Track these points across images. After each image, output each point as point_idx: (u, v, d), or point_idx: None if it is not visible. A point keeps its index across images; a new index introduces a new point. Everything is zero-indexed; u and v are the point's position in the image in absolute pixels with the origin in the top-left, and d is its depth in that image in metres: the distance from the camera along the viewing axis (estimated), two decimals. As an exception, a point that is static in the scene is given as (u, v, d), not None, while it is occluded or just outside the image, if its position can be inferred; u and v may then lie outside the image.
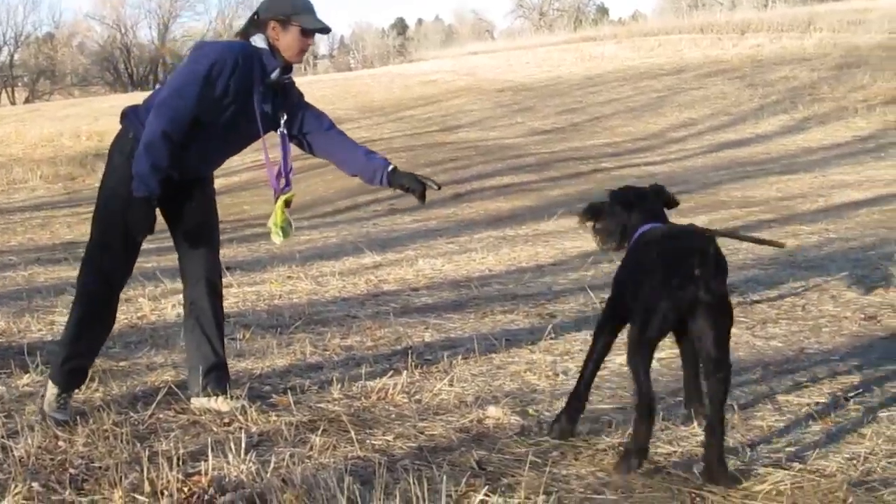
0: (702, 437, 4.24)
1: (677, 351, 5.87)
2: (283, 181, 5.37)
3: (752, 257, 8.99)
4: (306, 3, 5.03)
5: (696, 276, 4.00)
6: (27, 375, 5.74)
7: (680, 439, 4.51)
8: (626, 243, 4.74)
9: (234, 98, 4.89)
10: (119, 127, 5.05)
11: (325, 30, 5.15)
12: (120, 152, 4.93)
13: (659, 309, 4.14)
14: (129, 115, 4.99)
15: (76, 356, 5.04)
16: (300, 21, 4.96)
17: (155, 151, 4.70)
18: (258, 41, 4.96)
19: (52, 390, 5.00)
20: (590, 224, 4.95)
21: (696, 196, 14.14)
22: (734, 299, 7.32)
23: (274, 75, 5.00)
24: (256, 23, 5.00)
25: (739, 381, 5.36)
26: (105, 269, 5.00)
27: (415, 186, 5.25)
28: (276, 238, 5.36)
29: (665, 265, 4.17)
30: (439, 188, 5.29)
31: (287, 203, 5.30)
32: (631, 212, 4.75)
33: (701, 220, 11.40)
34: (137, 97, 41.09)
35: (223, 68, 4.80)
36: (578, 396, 4.64)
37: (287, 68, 5.08)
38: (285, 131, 5.30)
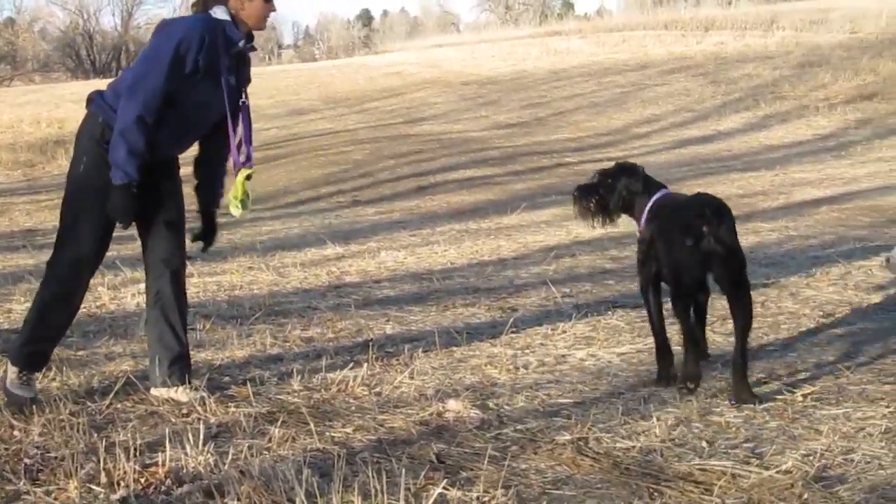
0: (658, 431, 4.35)
1: (637, 346, 5.93)
2: (244, 153, 5.26)
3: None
4: None
5: (708, 233, 4.80)
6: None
7: (638, 434, 4.52)
8: (625, 213, 5.53)
9: (203, 73, 4.83)
10: (84, 112, 5.00)
11: None
12: (89, 137, 4.89)
13: (685, 266, 4.96)
14: (97, 100, 4.93)
15: (38, 339, 5.02)
16: None
17: (131, 137, 4.69)
18: (219, 13, 4.87)
19: (12, 371, 4.97)
20: (585, 203, 5.59)
21: (658, 192, 14.20)
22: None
23: (241, 44, 4.96)
24: None
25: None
26: (77, 255, 4.97)
27: (202, 235, 5.33)
28: (236, 211, 5.27)
29: (681, 228, 4.92)
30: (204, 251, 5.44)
31: (248, 177, 5.22)
32: (639, 182, 5.42)
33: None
34: (99, 84, 40.88)
35: (191, 44, 4.73)
36: (665, 347, 5.39)
37: (250, 36, 5.04)
38: (248, 102, 5.23)
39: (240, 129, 5.25)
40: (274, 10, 5.05)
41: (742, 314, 4.95)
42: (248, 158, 5.25)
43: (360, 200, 14.67)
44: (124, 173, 4.71)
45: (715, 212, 4.90)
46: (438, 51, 45.49)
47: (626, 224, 9.99)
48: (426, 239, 10.56)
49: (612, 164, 5.69)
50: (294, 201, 15.13)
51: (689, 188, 14.12)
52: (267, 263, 9.24)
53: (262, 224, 12.42)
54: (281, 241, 11.01)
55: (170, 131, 4.92)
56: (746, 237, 9.47)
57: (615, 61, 32.65)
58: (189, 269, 8.63)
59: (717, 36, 34.57)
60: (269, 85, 34.64)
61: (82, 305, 7.24)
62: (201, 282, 8.44)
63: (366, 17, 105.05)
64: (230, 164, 5.31)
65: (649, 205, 5.31)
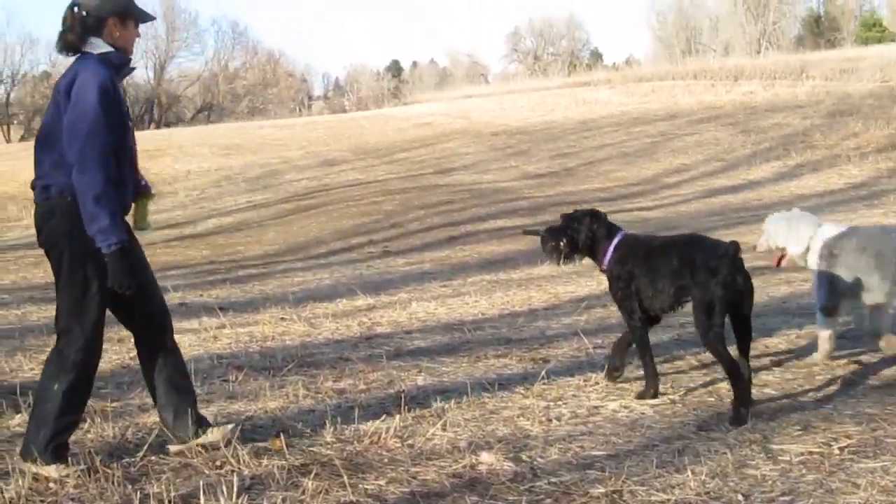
0: (693, 484, 4.32)
1: (670, 398, 5.90)
2: (142, 178, 5.30)
3: (746, 304, 8.99)
4: None
5: (739, 272, 5.68)
6: (18, 416, 5.73)
7: (673, 487, 4.49)
8: (588, 254, 6.32)
9: (126, 111, 4.85)
10: (42, 196, 4.82)
11: (153, 17, 5.13)
12: (64, 216, 4.74)
13: (721, 300, 5.61)
14: (54, 179, 4.75)
15: (65, 430, 4.87)
16: (136, 14, 4.91)
17: (107, 200, 4.64)
18: (98, 45, 4.78)
19: (52, 471, 4.73)
20: (553, 243, 6.33)
21: (689, 241, 14.16)
22: (728, 346, 7.34)
23: (126, 71, 4.95)
24: (87, 24, 4.76)
25: (731, 429, 5.36)
26: (88, 338, 4.86)
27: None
28: (150, 228, 5.40)
29: (710, 264, 5.68)
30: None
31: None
32: (600, 225, 6.29)
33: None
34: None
35: (109, 90, 4.68)
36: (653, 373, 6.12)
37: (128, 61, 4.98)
38: (132, 123, 5.15)
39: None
40: (139, 37, 5.01)
41: (748, 336, 5.85)
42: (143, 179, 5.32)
43: (390, 251, 14.70)
44: (117, 237, 4.66)
45: (737, 251, 5.73)
46: (468, 101, 45.78)
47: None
48: (457, 290, 10.57)
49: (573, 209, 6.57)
50: (325, 252, 15.17)
51: (721, 237, 14.10)
52: (299, 314, 9.26)
53: (293, 275, 12.46)
54: (312, 291, 11.04)
55: (122, 178, 4.86)
56: (779, 287, 9.45)
57: (644, 111, 32.74)
58: (221, 319, 8.74)
59: (747, 85, 34.65)
60: (299, 136, 34.97)
61: (116, 357, 7.37)
62: (233, 333, 8.47)
63: (395, 68, 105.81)
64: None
65: (614, 244, 6.20)
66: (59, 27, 4.87)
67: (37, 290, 11.96)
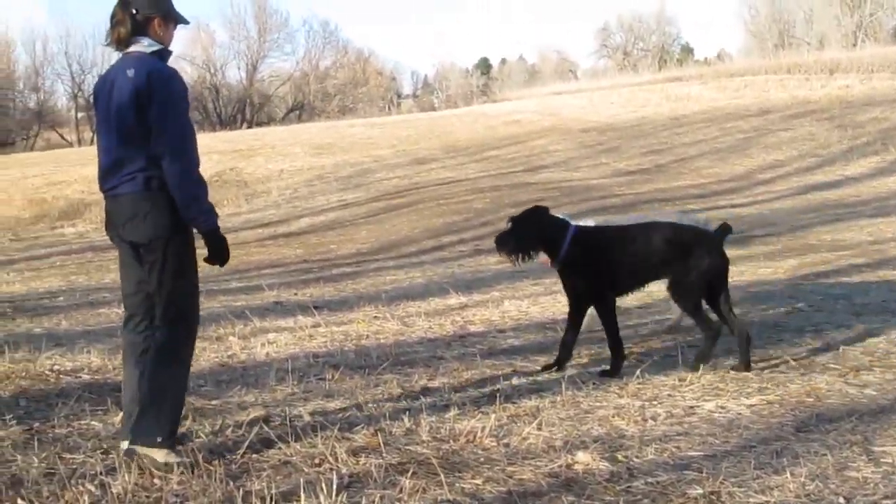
0: (792, 486, 4.27)
1: (767, 398, 5.84)
2: None
3: (845, 304, 8.87)
4: None
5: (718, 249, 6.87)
6: (122, 413, 5.85)
7: (772, 489, 4.45)
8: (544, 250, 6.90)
9: None
10: (137, 188, 4.93)
11: (189, 21, 5.33)
12: (155, 206, 4.89)
13: (704, 274, 6.76)
14: (155, 176, 4.88)
15: (179, 415, 5.08)
16: (175, 16, 5.15)
17: (202, 181, 4.93)
18: (146, 44, 4.99)
19: (163, 456, 4.87)
20: (509, 247, 6.89)
21: (783, 239, 13.99)
22: (826, 345, 7.26)
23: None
24: (137, 22, 4.97)
25: (830, 430, 5.29)
26: (194, 324, 5.16)
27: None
28: None
29: (694, 244, 6.81)
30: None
31: None
32: (550, 222, 6.91)
33: (790, 264, 11.30)
34: (225, 136, 41.46)
35: (183, 81, 5.01)
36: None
37: None
38: None
39: None
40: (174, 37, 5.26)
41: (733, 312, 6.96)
42: None
43: (481, 249, 14.73)
44: (216, 216, 4.96)
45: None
46: (557, 98, 45.66)
47: (752, 273, 9.87)
48: (549, 288, 10.56)
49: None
50: (416, 251, 15.27)
51: (817, 235, 13.97)
52: (392, 313, 9.34)
53: (385, 273, 12.56)
54: (405, 290, 11.12)
55: None
56: (879, 287, 9.30)
57: (737, 106, 32.35)
58: (316, 318, 8.85)
59: (843, 79, 34.03)
60: (389, 135, 35.14)
61: (214, 355, 7.51)
62: (329, 331, 8.57)
63: (484, 66, 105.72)
64: None
65: (569, 236, 6.78)
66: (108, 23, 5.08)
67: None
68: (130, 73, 4.89)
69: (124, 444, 5.06)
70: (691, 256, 6.76)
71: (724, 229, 7.04)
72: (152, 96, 4.80)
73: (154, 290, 5.01)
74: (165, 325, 5.00)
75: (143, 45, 4.98)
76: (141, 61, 4.92)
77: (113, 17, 5.03)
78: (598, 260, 6.87)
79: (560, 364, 6.97)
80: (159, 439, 4.87)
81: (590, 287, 6.93)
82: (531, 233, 6.89)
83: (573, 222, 7.04)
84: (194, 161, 4.91)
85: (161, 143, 4.81)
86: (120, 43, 5.02)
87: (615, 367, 6.78)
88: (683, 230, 7.05)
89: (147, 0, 4.99)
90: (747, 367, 6.67)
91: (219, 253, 5.01)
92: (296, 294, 11.16)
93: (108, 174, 5.02)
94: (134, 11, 4.96)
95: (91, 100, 4.98)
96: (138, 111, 4.82)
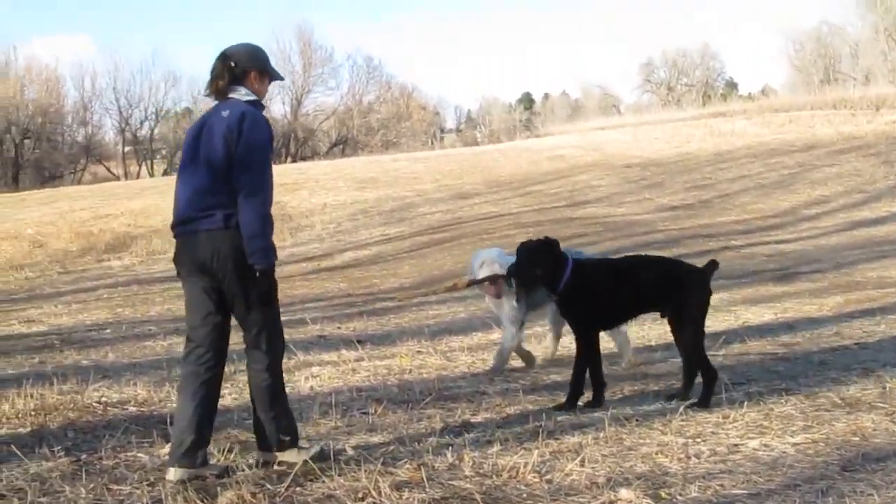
0: None
1: (812, 436, 5.81)
2: None
3: (891, 342, 8.80)
4: (266, 55, 5.68)
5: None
6: (169, 445, 5.90)
7: None
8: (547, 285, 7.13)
9: None
10: (216, 224, 5.32)
11: (283, 77, 5.96)
12: (234, 243, 5.28)
13: (706, 310, 7.15)
14: (229, 206, 5.28)
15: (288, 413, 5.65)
16: (271, 72, 5.64)
17: (270, 222, 5.32)
18: (244, 93, 5.48)
19: (295, 457, 5.51)
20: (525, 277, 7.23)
21: (829, 276, 13.91)
22: (872, 383, 7.20)
23: None
24: (235, 74, 5.47)
25: (877, 469, 5.25)
26: (280, 333, 5.60)
27: None
28: None
29: (699, 281, 7.09)
30: None
31: None
32: (557, 254, 7.09)
33: (835, 301, 11.22)
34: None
35: (272, 135, 5.48)
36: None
37: None
38: None
39: None
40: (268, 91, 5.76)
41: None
42: None
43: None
44: (274, 257, 5.32)
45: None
46: (600, 133, 45.69)
47: (797, 310, 9.82)
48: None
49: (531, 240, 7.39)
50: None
51: (863, 272, 13.87)
52: (435, 347, 9.37)
53: (428, 308, 12.59)
54: (447, 325, 11.14)
55: None
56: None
57: (782, 142, 32.23)
58: (360, 352, 8.89)
59: (889, 114, 33.85)
60: (433, 169, 35.26)
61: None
62: (371, 366, 8.61)
63: (527, 101, 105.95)
64: None
65: (569, 269, 7.00)
66: (208, 74, 5.58)
67: (181, 321, 12.29)
68: (225, 113, 5.36)
69: (172, 472, 5.27)
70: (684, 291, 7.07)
71: (712, 266, 7.30)
72: (241, 134, 5.24)
73: (241, 318, 5.44)
74: (256, 349, 5.48)
75: (240, 94, 5.46)
76: (236, 105, 5.39)
77: (213, 69, 5.52)
78: (592, 293, 7.09)
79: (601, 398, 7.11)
80: (288, 441, 5.50)
81: (582, 319, 7.19)
82: (546, 263, 7.11)
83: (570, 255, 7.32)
84: (268, 201, 5.29)
85: (242, 179, 5.22)
86: (219, 93, 5.51)
87: (569, 402, 6.96)
88: (674, 265, 7.45)
89: (246, 55, 5.52)
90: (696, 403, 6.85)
91: (265, 292, 5.33)
92: (339, 328, 11.22)
93: (187, 211, 5.38)
94: (233, 64, 5.45)
95: (183, 138, 5.44)
96: (227, 147, 5.24)
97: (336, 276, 17.82)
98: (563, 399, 7.04)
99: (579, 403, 6.96)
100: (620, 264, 7.59)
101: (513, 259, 7.66)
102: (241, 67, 5.47)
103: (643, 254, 7.89)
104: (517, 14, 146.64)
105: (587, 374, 7.09)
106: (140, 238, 23.31)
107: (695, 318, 7.05)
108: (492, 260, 8.29)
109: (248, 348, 5.52)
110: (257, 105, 5.49)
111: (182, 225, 5.41)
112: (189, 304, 5.54)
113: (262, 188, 5.26)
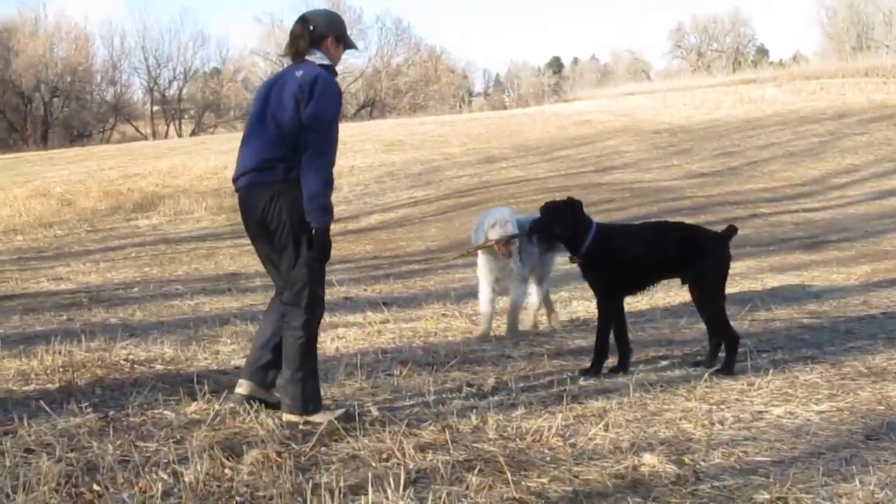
0: (861, 494, 4.24)
1: (837, 404, 5.80)
2: None
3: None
4: (344, 23, 5.93)
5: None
6: (195, 403, 5.97)
7: (840, 496, 4.43)
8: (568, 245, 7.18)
9: None
10: (275, 177, 5.52)
11: (357, 47, 6.21)
12: (290, 193, 5.46)
13: (726, 275, 7.15)
14: (289, 160, 5.47)
15: (314, 374, 5.72)
16: (347, 41, 5.86)
17: (331, 183, 5.49)
18: (319, 57, 5.66)
19: (320, 417, 5.58)
20: (545, 233, 7.39)
21: (857, 245, 13.83)
22: (893, 351, 7.18)
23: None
24: (312, 37, 5.66)
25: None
26: (322, 296, 5.70)
27: None
28: None
29: (719, 246, 7.07)
30: None
31: None
32: (580, 216, 7.15)
33: (863, 270, 11.17)
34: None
35: (341, 100, 5.67)
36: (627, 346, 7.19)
37: None
38: None
39: None
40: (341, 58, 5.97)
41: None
42: None
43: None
44: (331, 216, 5.48)
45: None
46: (629, 99, 45.41)
47: (824, 278, 9.79)
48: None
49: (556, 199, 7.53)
50: (485, 249, 15.28)
51: (892, 241, 13.79)
52: (460, 311, 9.39)
53: (454, 271, 12.60)
54: (473, 288, 11.04)
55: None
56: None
57: (812, 109, 31.98)
58: (385, 315, 8.92)
59: (922, 83, 33.44)
60: (461, 132, 35.18)
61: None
62: (397, 328, 8.64)
63: (556, 65, 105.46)
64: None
65: (592, 233, 7.03)
66: (287, 36, 5.82)
67: (208, 281, 12.40)
68: (299, 73, 5.55)
69: (242, 385, 5.82)
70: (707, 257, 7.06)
71: (731, 231, 7.24)
72: (312, 94, 5.42)
73: (285, 273, 5.59)
74: (296, 306, 5.58)
75: (316, 57, 5.64)
76: (310, 66, 5.58)
77: (292, 31, 5.74)
78: (613, 257, 7.10)
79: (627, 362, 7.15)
80: (311, 407, 5.60)
81: (603, 283, 7.20)
82: (566, 223, 7.16)
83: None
84: (331, 162, 5.46)
85: (308, 139, 5.40)
86: (297, 55, 5.70)
87: (594, 367, 6.98)
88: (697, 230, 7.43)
89: (325, 21, 5.75)
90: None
91: (321, 250, 5.50)
92: (365, 290, 11.25)
93: (249, 163, 5.60)
94: (311, 28, 5.66)
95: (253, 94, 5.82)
96: (296, 106, 5.43)
97: (363, 238, 17.84)
98: (587, 364, 7.05)
99: (604, 369, 6.96)
100: (642, 229, 7.61)
101: (523, 219, 7.91)
102: (319, 32, 5.66)
103: (665, 219, 7.87)
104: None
105: (611, 339, 7.08)
106: (168, 198, 23.35)
107: (715, 284, 7.05)
108: (504, 220, 8.23)
109: (288, 304, 5.63)
110: (330, 70, 5.65)
111: (243, 176, 5.64)
112: (262, 263, 5.97)
113: (327, 150, 5.43)
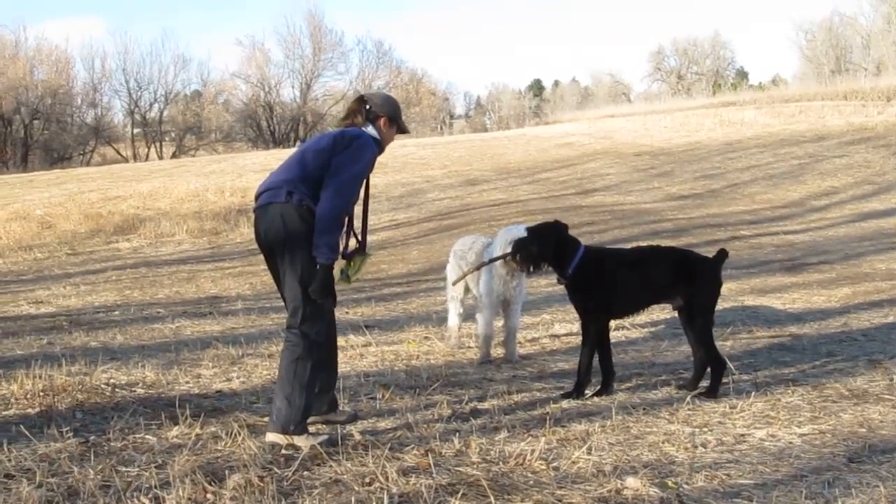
0: None
1: (819, 427, 5.81)
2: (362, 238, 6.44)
3: (898, 332, 8.81)
4: (399, 106, 6.26)
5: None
6: (177, 427, 5.95)
7: (823, 519, 4.43)
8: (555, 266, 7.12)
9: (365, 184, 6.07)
10: (278, 198, 5.74)
11: (408, 132, 6.58)
12: (302, 219, 5.66)
13: (716, 300, 7.22)
14: (299, 188, 5.70)
15: (311, 405, 5.81)
16: (400, 124, 6.20)
17: (340, 224, 5.73)
18: (373, 131, 6.01)
19: (302, 441, 5.59)
20: (528, 254, 7.14)
21: (837, 267, 13.89)
22: (879, 375, 7.20)
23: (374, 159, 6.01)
24: (369, 115, 6.04)
25: (883, 461, 5.26)
26: (324, 324, 5.87)
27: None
28: (351, 282, 6.53)
29: (710, 270, 7.10)
30: None
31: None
32: (566, 238, 7.14)
33: (844, 292, 11.22)
34: (279, 154, 41.98)
35: (373, 161, 5.96)
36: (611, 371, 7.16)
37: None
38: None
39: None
40: (393, 140, 6.31)
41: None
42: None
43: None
44: (335, 255, 5.65)
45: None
46: (610, 121, 45.63)
47: (805, 301, 9.83)
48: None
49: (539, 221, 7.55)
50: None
51: (871, 263, 13.85)
52: (443, 334, 9.37)
53: (436, 294, 12.59)
54: (455, 311, 11.11)
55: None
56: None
57: (791, 132, 32.17)
58: (367, 338, 8.91)
59: (900, 106, 33.69)
60: (441, 155, 35.25)
61: (266, 373, 7.60)
62: (379, 351, 8.63)
63: (537, 87, 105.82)
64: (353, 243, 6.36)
65: (579, 255, 7.00)
66: (343, 110, 6.39)
67: (190, 304, 12.35)
68: (349, 131, 5.94)
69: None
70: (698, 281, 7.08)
71: (722, 255, 7.24)
72: (350, 145, 5.78)
73: (286, 293, 5.78)
74: (292, 326, 5.74)
75: (369, 130, 6.00)
76: (362, 132, 5.94)
77: (350, 108, 6.17)
78: (601, 280, 7.09)
79: (610, 387, 7.09)
80: (292, 427, 5.61)
81: (589, 305, 7.16)
82: (548, 244, 7.14)
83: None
84: (346, 206, 5.73)
85: (332, 180, 5.66)
86: (352, 126, 6.05)
87: (577, 390, 6.99)
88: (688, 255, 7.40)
89: (381, 102, 6.15)
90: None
91: (322, 286, 5.65)
92: (347, 313, 11.23)
93: (263, 186, 5.88)
94: (368, 107, 6.06)
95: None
96: (333, 145, 5.78)
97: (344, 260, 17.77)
98: (570, 387, 7.05)
99: (587, 392, 6.96)
100: (632, 253, 7.59)
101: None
102: (374, 112, 6.05)
103: (654, 244, 7.84)
104: (529, 1, 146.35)
105: (594, 363, 7.08)
106: (148, 220, 23.31)
107: (706, 309, 7.06)
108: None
109: (287, 326, 5.80)
110: (378, 146, 5.99)
111: (256, 199, 5.90)
112: (276, 282, 6.06)
113: (346, 194, 5.68)
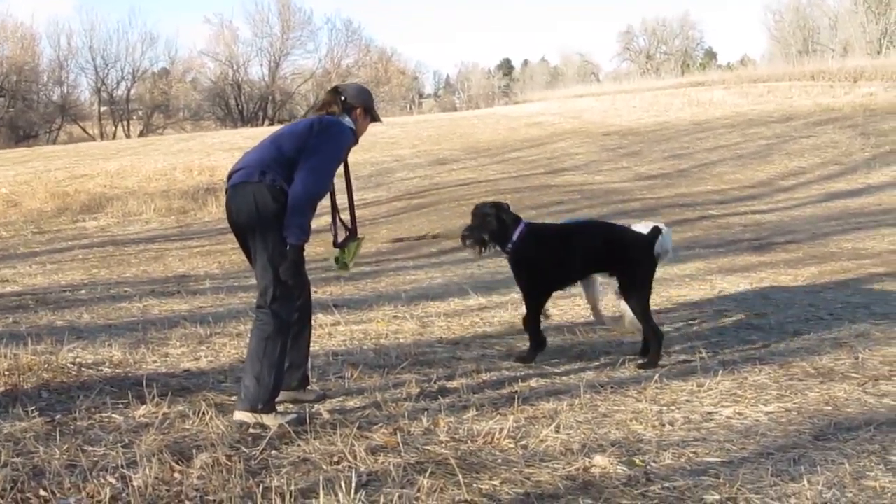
0: (809, 494, 4.28)
1: (785, 405, 5.85)
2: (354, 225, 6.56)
3: (865, 312, 8.86)
4: (372, 97, 6.36)
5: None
6: (144, 406, 5.91)
7: (789, 496, 4.47)
8: (498, 243, 7.40)
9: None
10: (251, 178, 5.72)
11: (382, 121, 6.75)
12: (275, 200, 5.64)
13: (652, 272, 7.53)
14: (272, 169, 5.70)
15: (280, 383, 5.83)
16: (374, 114, 6.30)
17: (314, 206, 5.68)
18: (347, 121, 6.05)
19: (270, 420, 5.61)
20: (475, 238, 7.40)
21: (804, 246, 13.97)
22: (845, 354, 7.25)
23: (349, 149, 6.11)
24: (345, 106, 6.09)
25: (848, 439, 5.30)
26: (297, 298, 5.94)
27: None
28: (348, 270, 6.86)
29: (642, 248, 7.43)
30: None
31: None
32: (507, 216, 7.40)
33: (810, 272, 11.28)
34: (247, 133, 41.68)
35: (348, 148, 6.03)
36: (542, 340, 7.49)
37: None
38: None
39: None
40: (367, 130, 6.39)
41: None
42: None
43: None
44: (307, 236, 5.66)
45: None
46: (579, 101, 45.61)
47: (772, 280, 9.87)
48: (568, 291, 10.53)
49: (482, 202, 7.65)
50: (436, 251, 15.28)
51: (838, 243, 13.95)
52: (411, 313, 9.37)
53: (405, 273, 12.59)
54: (424, 290, 11.13)
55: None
56: (899, 295, 9.27)
57: (760, 112, 32.29)
58: (336, 317, 8.89)
59: (867, 87, 33.97)
60: (411, 134, 35.17)
61: (234, 351, 7.58)
62: (348, 330, 8.61)
63: (506, 67, 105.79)
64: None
65: (518, 231, 7.33)
66: (318, 101, 6.49)
67: (158, 283, 12.28)
68: (325, 117, 6.01)
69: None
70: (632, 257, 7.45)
71: (656, 232, 7.57)
72: (327, 131, 5.83)
73: (257, 272, 5.79)
74: (262, 305, 5.75)
75: (345, 120, 6.06)
76: (339, 120, 6.01)
77: (324, 100, 6.20)
78: (539, 255, 7.42)
79: (537, 354, 7.47)
80: (260, 406, 5.61)
81: (528, 279, 7.52)
82: (492, 224, 7.41)
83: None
84: (321, 189, 5.69)
85: (307, 160, 5.68)
86: (324, 110, 6.12)
87: (529, 354, 7.44)
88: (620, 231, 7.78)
89: (355, 93, 6.22)
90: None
91: (292, 267, 5.66)
92: (315, 292, 11.16)
93: (238, 165, 5.87)
94: (343, 98, 6.12)
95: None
96: (308, 130, 5.82)
97: (312, 239, 17.63)
98: (537, 367, 7.11)
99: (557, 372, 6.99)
100: (568, 228, 7.95)
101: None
102: (350, 103, 6.11)
103: (593, 219, 8.26)
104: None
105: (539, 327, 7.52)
106: (115, 199, 23.11)
107: (639, 285, 7.43)
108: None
109: (256, 305, 5.84)
110: (353, 133, 6.08)
111: (229, 178, 5.90)
112: (249, 261, 6.06)
113: (321, 174, 5.69)
